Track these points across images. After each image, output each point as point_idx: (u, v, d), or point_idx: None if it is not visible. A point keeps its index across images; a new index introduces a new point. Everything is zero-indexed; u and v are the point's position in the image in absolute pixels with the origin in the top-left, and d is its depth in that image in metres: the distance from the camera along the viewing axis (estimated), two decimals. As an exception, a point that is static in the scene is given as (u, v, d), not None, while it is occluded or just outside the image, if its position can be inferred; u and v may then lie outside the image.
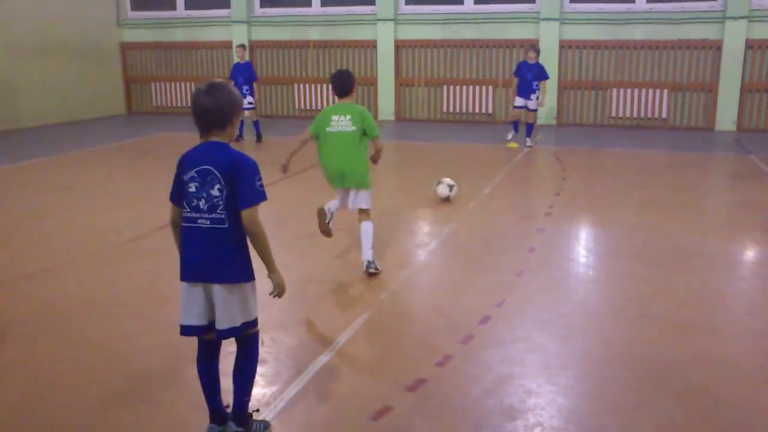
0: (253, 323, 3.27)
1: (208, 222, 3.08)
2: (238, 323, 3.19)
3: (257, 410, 3.56)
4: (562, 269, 5.91)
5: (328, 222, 5.85)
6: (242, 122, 12.71)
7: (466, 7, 15.22)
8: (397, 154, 12.22)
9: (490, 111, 15.29)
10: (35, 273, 5.77)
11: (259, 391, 3.79)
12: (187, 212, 3.12)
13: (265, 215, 3.21)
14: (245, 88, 12.41)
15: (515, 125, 11.95)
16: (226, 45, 16.63)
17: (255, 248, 3.15)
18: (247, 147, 12.33)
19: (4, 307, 5.10)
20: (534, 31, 14.67)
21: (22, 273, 5.78)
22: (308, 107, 16.41)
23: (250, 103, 12.52)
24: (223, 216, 3.08)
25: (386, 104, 15.81)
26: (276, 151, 11.85)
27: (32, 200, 8.48)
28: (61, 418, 3.59)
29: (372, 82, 15.87)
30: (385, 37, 15.54)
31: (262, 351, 4.25)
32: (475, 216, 7.62)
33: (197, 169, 3.10)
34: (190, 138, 12.91)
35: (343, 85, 5.74)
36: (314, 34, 16.12)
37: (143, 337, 4.57)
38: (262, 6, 16.56)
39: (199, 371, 3.36)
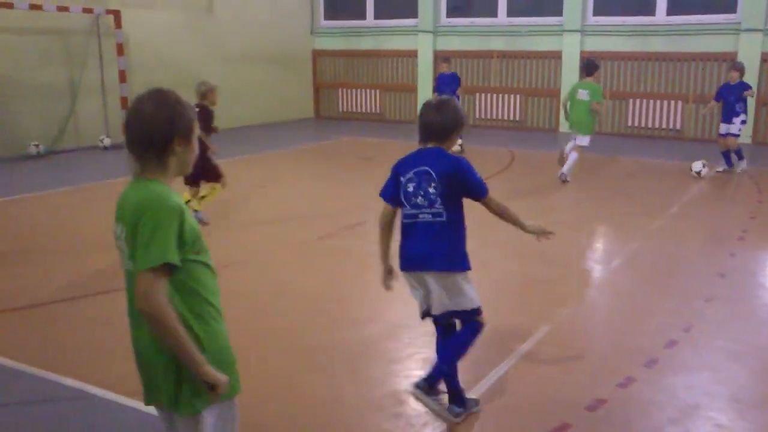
0: (475, 312, 3.56)
1: (430, 216, 3.44)
2: (449, 308, 3.50)
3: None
4: (757, 298, 5.60)
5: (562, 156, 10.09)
6: None
7: (658, 17, 14.63)
8: (578, 168, 11.99)
9: (678, 127, 14.60)
10: (231, 264, 6.29)
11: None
12: (408, 210, 3.48)
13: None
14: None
15: (726, 157, 10.93)
16: (412, 54, 17.07)
17: (508, 219, 3.54)
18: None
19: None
20: (732, 43, 13.84)
21: (220, 263, 6.31)
22: (489, 117, 16.46)
23: None
24: (442, 210, 3.43)
25: (568, 116, 15.55)
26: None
27: (232, 196, 9.20)
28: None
29: (555, 94, 15.66)
30: (570, 48, 15.28)
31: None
32: (661, 236, 7.36)
33: (415, 170, 3.45)
34: (373, 143, 13.29)
35: (586, 68, 10.11)
36: (498, 44, 16.15)
37: (325, 332, 4.85)
38: (448, 16, 16.84)
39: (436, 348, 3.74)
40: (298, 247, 6.94)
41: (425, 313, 3.62)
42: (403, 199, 3.49)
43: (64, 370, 4.23)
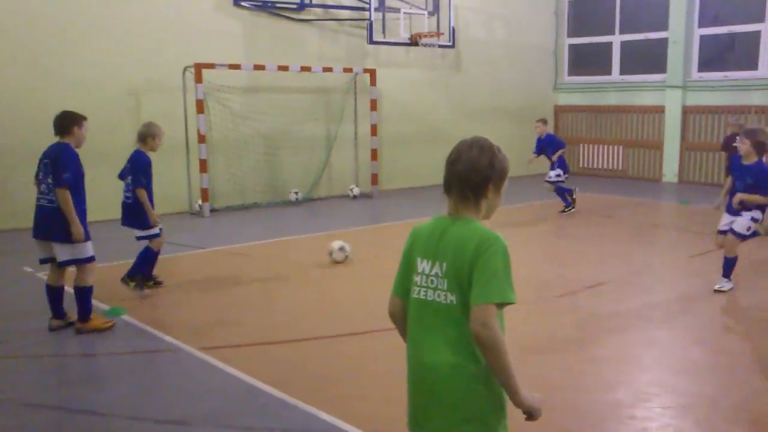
0: None
1: None
2: None
3: None
4: None
5: None
6: (569, 190, 12.35)
7: None
8: None
9: None
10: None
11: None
12: None
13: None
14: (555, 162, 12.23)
15: None
16: (659, 109, 16.48)
17: None
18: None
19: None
20: None
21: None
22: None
23: (557, 175, 12.20)
24: None
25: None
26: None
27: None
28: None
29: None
30: (844, 103, 13.95)
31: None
32: None
33: None
34: (614, 200, 12.81)
35: None
36: (757, 98, 15.11)
37: (572, 393, 4.81)
38: (700, 70, 16.09)
39: None
40: (536, 304, 6.93)
41: None
42: None
43: (321, 403, 4.58)
